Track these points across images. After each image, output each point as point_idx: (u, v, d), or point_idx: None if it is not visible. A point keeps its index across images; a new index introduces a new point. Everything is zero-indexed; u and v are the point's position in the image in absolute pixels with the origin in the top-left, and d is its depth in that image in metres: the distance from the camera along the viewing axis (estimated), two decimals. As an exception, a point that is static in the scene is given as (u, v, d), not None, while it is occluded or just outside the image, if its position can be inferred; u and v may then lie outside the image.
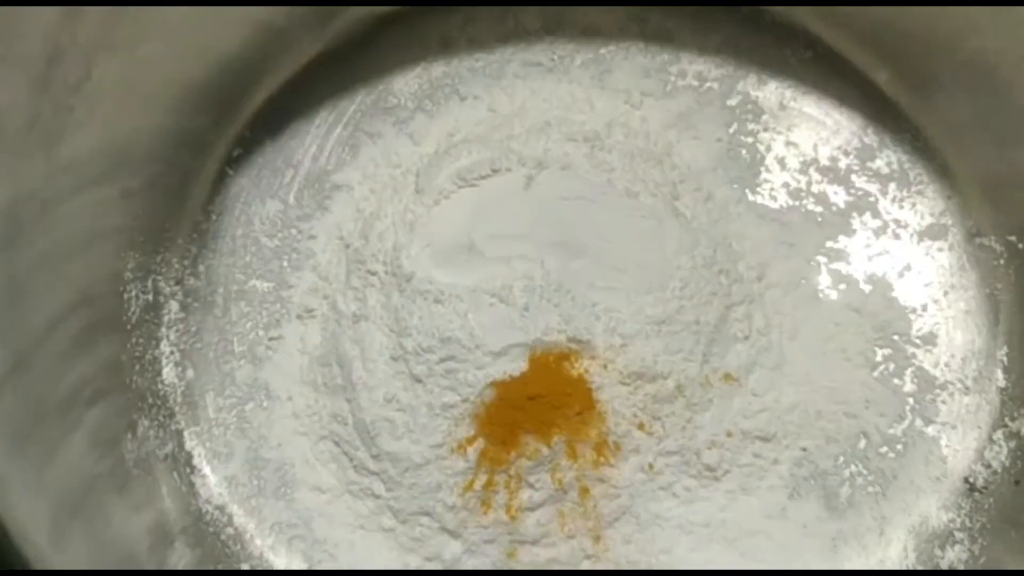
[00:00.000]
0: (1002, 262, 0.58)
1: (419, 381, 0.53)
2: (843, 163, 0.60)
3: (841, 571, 0.56)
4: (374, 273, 0.56)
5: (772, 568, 0.56)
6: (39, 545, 0.35)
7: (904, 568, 0.56)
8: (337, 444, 0.56)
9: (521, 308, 0.54)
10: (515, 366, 0.53)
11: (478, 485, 0.54)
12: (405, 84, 0.61)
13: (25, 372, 0.39)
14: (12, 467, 0.36)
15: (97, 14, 0.42)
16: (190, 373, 0.57)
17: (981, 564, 0.54)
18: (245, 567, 0.54)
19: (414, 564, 0.55)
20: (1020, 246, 0.56)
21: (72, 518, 0.41)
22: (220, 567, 0.53)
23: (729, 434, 0.56)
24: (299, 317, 0.58)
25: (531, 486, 0.54)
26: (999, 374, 0.58)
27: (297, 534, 0.56)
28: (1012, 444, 0.56)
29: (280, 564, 0.55)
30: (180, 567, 0.49)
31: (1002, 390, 0.57)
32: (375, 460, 0.54)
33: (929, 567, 0.56)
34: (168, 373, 0.56)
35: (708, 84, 0.61)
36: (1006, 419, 0.57)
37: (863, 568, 0.56)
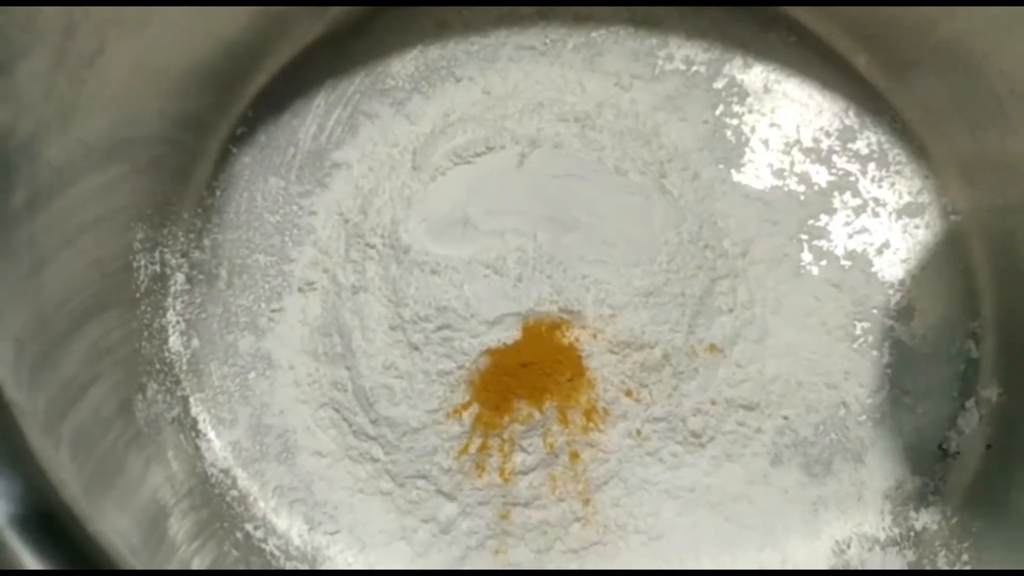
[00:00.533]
0: (975, 239, 0.60)
1: (416, 349, 0.55)
2: (825, 144, 0.62)
3: (840, 571, 0.58)
4: (372, 246, 0.58)
5: (755, 528, 0.58)
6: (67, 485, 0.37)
7: (881, 532, 0.59)
8: (337, 410, 0.58)
9: (514, 279, 0.56)
10: (509, 334, 0.55)
11: (473, 449, 0.56)
12: (402, 66, 0.63)
13: (47, 332, 0.41)
14: (36, 413, 0.38)
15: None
16: (195, 342, 0.59)
17: (952, 525, 0.57)
18: (249, 527, 0.56)
19: (411, 525, 0.57)
20: (992, 224, 0.59)
21: (89, 463, 0.43)
22: (225, 526, 0.55)
23: (713, 402, 0.58)
24: (300, 290, 0.60)
25: (524, 450, 0.56)
26: (971, 345, 0.60)
27: (298, 497, 0.58)
28: (983, 411, 0.59)
29: (282, 526, 0.57)
30: (187, 526, 0.51)
31: (974, 360, 0.60)
32: (374, 425, 0.56)
33: (904, 529, 0.58)
34: (174, 342, 0.58)
35: (695, 67, 0.63)
36: (977, 388, 0.59)
37: (841, 532, 0.59)
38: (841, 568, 0.58)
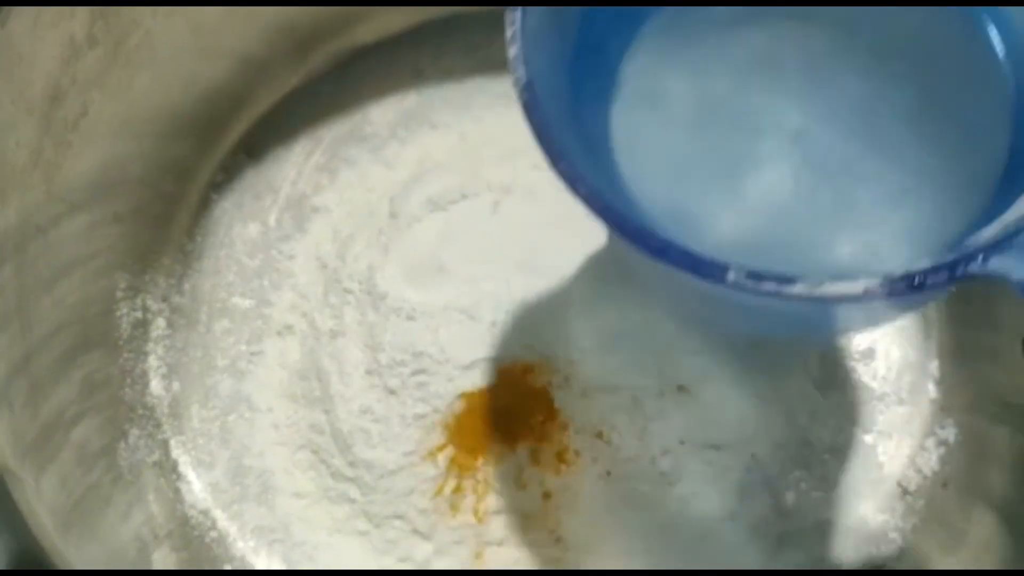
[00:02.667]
0: (932, 282, 0.62)
1: (393, 393, 0.57)
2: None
3: (839, 571, 0.60)
4: (350, 292, 0.60)
5: (722, 568, 0.60)
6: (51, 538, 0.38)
7: (843, 568, 0.60)
8: (315, 453, 0.59)
9: (488, 324, 0.58)
10: (482, 378, 0.57)
11: (447, 490, 0.57)
12: (380, 113, 0.65)
13: (27, 380, 0.42)
14: (19, 471, 0.39)
15: (94, 56, 0.45)
16: (176, 386, 0.60)
17: (911, 560, 0.59)
18: (228, 567, 0.58)
19: (388, 565, 0.58)
20: (949, 268, 0.61)
21: (67, 525, 0.44)
22: (205, 567, 0.56)
23: (682, 442, 0.60)
24: (279, 333, 0.62)
25: (497, 491, 0.57)
26: (930, 386, 0.62)
27: (277, 538, 0.59)
28: (941, 450, 0.61)
29: (261, 565, 0.58)
30: (169, 566, 0.52)
31: (933, 401, 0.62)
32: (351, 467, 0.58)
33: (867, 565, 0.60)
34: (155, 386, 0.59)
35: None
36: (936, 427, 0.61)
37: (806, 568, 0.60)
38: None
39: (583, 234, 0.60)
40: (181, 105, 0.56)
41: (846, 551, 0.61)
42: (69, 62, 0.44)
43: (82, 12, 0.43)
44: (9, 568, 0.36)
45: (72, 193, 0.47)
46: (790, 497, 0.61)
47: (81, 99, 0.45)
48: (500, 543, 0.58)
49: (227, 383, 0.61)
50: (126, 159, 0.52)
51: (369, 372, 0.58)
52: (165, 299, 0.61)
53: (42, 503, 0.41)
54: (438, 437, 0.57)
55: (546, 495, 0.58)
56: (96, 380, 0.52)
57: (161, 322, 0.60)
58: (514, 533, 0.58)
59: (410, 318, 0.58)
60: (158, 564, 0.52)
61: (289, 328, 0.61)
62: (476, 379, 0.57)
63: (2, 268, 0.41)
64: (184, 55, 0.53)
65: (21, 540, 0.36)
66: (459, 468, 0.57)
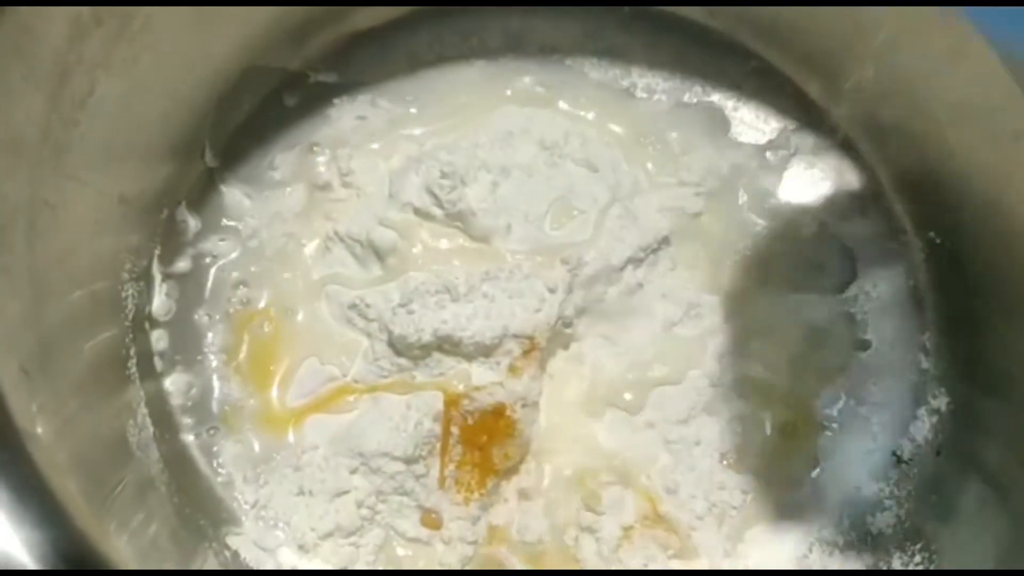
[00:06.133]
0: (923, 256, 0.64)
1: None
2: (775, 163, 0.66)
3: (837, 571, 0.61)
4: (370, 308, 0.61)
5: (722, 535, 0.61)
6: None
7: (840, 537, 0.62)
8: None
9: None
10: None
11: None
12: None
13: (46, 358, 0.43)
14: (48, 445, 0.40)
15: (100, 35, 0.46)
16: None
17: (906, 528, 0.60)
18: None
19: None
20: (938, 242, 0.62)
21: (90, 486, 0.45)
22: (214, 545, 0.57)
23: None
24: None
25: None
26: (922, 357, 0.63)
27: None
28: (934, 419, 0.62)
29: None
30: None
31: (925, 371, 0.63)
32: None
33: (861, 532, 0.61)
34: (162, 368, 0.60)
35: (657, 96, 0.66)
36: (928, 397, 0.63)
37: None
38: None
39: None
40: (183, 86, 0.57)
41: (842, 521, 0.62)
42: (76, 41, 0.44)
43: (87, -9, 0.44)
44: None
45: (80, 171, 0.47)
46: (788, 467, 0.62)
47: (88, 78, 0.46)
48: None
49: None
50: (131, 138, 0.53)
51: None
52: (169, 277, 0.61)
53: (68, 487, 0.41)
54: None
55: None
56: (104, 358, 0.53)
57: (166, 301, 0.61)
58: None
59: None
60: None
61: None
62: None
63: (15, 239, 0.42)
64: (186, 37, 0.54)
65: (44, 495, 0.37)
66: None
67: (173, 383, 0.60)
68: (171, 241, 0.61)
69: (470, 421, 0.57)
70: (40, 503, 0.38)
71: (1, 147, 0.40)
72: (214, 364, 0.61)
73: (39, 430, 0.39)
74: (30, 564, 0.36)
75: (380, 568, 0.58)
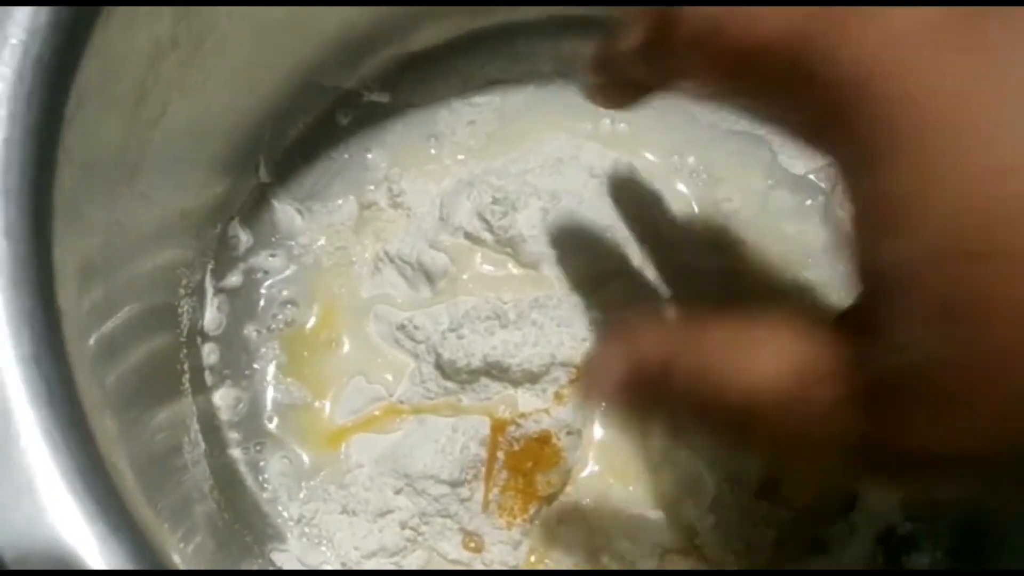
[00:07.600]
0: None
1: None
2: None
3: (838, 571, 0.61)
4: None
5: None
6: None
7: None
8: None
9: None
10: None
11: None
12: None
13: (111, 369, 0.44)
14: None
15: (175, 57, 0.47)
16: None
17: (942, 568, 0.60)
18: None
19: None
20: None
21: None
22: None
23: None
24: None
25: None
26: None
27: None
28: (972, 461, 0.62)
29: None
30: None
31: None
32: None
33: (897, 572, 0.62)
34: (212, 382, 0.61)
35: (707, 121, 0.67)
36: (968, 439, 0.63)
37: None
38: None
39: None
40: (245, 104, 0.58)
41: (876, 558, 0.62)
42: (155, 63, 0.45)
43: (168, 13, 0.45)
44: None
45: (150, 189, 0.48)
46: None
47: (162, 99, 0.47)
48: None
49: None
50: (196, 155, 0.54)
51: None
52: (221, 291, 0.62)
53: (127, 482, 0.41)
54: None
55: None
56: (160, 373, 0.54)
57: (217, 315, 0.62)
58: None
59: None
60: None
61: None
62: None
63: (94, 261, 0.43)
64: (251, 56, 0.55)
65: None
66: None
67: (222, 397, 0.60)
68: (223, 256, 0.62)
69: (516, 447, 0.58)
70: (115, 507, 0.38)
71: (82, 170, 0.40)
72: (262, 379, 0.61)
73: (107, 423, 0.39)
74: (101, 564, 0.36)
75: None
